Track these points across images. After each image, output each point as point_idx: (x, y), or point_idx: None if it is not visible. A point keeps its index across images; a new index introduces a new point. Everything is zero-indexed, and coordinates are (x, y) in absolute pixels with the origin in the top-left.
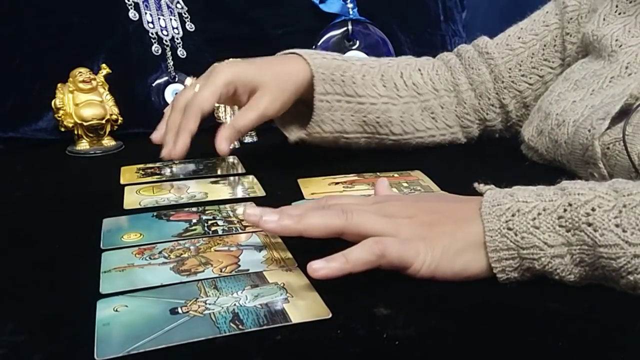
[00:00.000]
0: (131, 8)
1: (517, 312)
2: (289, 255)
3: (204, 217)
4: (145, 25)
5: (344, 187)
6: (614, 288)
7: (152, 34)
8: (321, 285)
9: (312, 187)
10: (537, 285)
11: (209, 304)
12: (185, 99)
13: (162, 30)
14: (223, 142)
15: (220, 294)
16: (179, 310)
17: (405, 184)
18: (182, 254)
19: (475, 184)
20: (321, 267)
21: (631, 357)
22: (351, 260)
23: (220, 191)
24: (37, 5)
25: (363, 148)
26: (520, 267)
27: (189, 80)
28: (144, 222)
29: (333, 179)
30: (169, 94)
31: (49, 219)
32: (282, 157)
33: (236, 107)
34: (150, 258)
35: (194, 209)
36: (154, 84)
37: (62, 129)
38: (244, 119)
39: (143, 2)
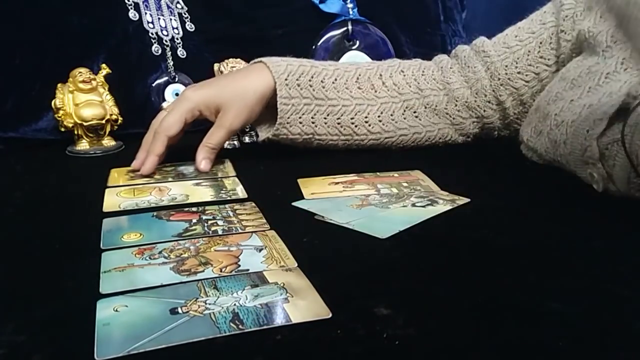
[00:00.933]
0: (131, 8)
1: (517, 312)
2: (289, 255)
3: (204, 217)
4: (145, 25)
5: (343, 187)
6: (613, 288)
7: (152, 34)
8: (321, 285)
9: (312, 187)
10: (537, 285)
11: (209, 304)
12: (157, 122)
13: (162, 30)
14: (202, 162)
15: (220, 293)
16: (179, 310)
17: (405, 184)
18: (182, 254)
19: None
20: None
21: (631, 357)
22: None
23: (202, 193)
24: (37, 6)
25: (343, 149)
26: None
27: (164, 104)
28: (144, 222)
29: (333, 178)
30: (169, 94)
31: (49, 219)
32: (282, 157)
33: None
34: (150, 258)
35: (194, 209)
36: (154, 84)
37: (62, 129)
38: (214, 137)
39: (143, 2)
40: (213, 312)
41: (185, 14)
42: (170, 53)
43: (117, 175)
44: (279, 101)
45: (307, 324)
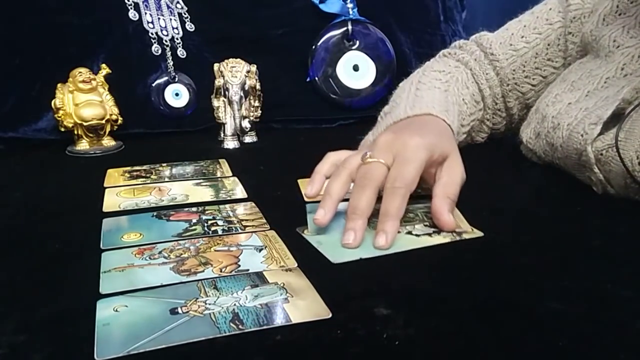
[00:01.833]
0: (131, 8)
1: (517, 312)
2: (289, 255)
3: (204, 217)
4: (145, 25)
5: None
6: (613, 288)
7: (152, 34)
8: (321, 285)
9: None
10: (537, 285)
11: (209, 304)
12: (347, 166)
13: (162, 30)
14: (446, 217)
15: (220, 294)
16: (179, 310)
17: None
18: (182, 254)
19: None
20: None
21: (631, 357)
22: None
23: (202, 193)
24: (37, 6)
25: None
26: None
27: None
28: (144, 222)
29: None
30: (169, 94)
31: (49, 219)
32: (282, 157)
33: (235, 106)
34: (150, 258)
35: (194, 209)
36: (154, 84)
37: (62, 129)
38: (454, 189)
39: (143, 2)
40: (213, 312)
41: (185, 14)
42: (170, 53)
43: (116, 175)
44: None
45: (307, 324)
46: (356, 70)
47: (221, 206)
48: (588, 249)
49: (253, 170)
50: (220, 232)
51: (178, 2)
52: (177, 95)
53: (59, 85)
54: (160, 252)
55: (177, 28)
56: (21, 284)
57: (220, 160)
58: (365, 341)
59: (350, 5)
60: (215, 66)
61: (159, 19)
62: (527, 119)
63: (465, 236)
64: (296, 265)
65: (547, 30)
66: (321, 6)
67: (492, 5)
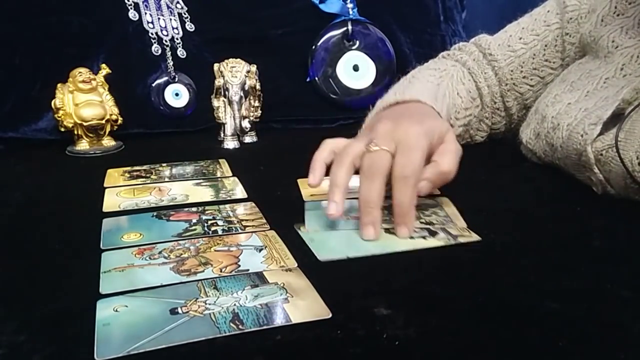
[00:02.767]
0: (131, 8)
1: (517, 312)
2: (289, 255)
3: (204, 217)
4: (145, 26)
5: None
6: (613, 288)
7: (152, 34)
8: (321, 285)
9: (311, 189)
10: (537, 285)
11: (209, 304)
12: (344, 156)
13: (162, 31)
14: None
15: (220, 294)
16: (179, 310)
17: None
18: (182, 254)
19: None
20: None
21: (631, 357)
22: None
23: (202, 193)
24: (37, 6)
25: None
26: None
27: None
28: (144, 222)
29: None
30: (168, 94)
31: (49, 219)
32: (282, 157)
33: (235, 106)
34: (150, 258)
35: (194, 209)
36: (153, 84)
37: (62, 129)
38: (451, 164)
39: (143, 2)
40: (213, 312)
41: (185, 14)
42: (170, 53)
43: (116, 175)
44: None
45: (307, 324)
46: (356, 70)
47: (221, 206)
48: (588, 249)
49: (253, 170)
50: (220, 232)
51: (178, 2)
52: (177, 95)
53: (59, 85)
54: (160, 252)
55: (177, 28)
56: (21, 284)
57: (220, 160)
58: (365, 341)
59: (350, 5)
60: (215, 66)
61: (159, 19)
62: (526, 120)
63: (461, 240)
64: (296, 265)
65: (545, 31)
66: (321, 6)
67: (492, 6)
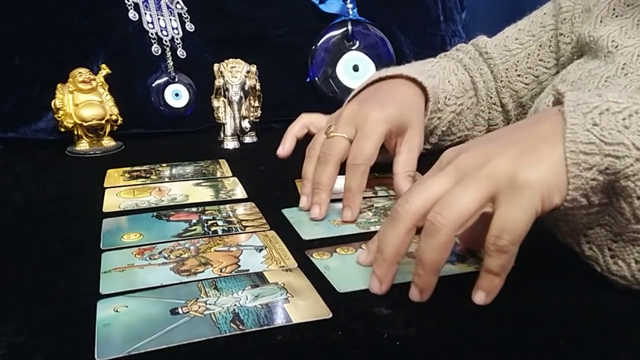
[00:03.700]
0: (131, 8)
1: (517, 312)
2: (289, 255)
3: (204, 218)
4: (145, 26)
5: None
6: (613, 288)
7: (152, 34)
8: (321, 285)
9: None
10: (537, 285)
11: (209, 304)
12: (316, 146)
13: (161, 31)
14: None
15: (220, 294)
16: (180, 310)
17: None
18: (182, 254)
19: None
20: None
21: (631, 357)
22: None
23: (202, 193)
24: (37, 6)
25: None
26: (598, 166)
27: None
28: (144, 222)
29: None
30: (168, 94)
31: (49, 219)
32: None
33: (235, 107)
34: (150, 258)
35: (194, 209)
36: (153, 84)
37: (62, 130)
38: (412, 163)
39: (143, 3)
40: (213, 313)
41: (185, 14)
42: (170, 53)
43: (116, 175)
44: (431, 116)
45: (307, 324)
46: (356, 71)
47: (221, 206)
48: None
49: (253, 171)
50: (220, 233)
51: (178, 3)
52: (177, 96)
53: (59, 85)
54: (160, 253)
55: (177, 28)
56: (21, 284)
57: (220, 160)
58: (365, 341)
59: (350, 6)
60: (215, 66)
61: (158, 19)
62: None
63: None
64: (296, 265)
65: (540, 32)
66: (321, 6)
67: (492, 5)
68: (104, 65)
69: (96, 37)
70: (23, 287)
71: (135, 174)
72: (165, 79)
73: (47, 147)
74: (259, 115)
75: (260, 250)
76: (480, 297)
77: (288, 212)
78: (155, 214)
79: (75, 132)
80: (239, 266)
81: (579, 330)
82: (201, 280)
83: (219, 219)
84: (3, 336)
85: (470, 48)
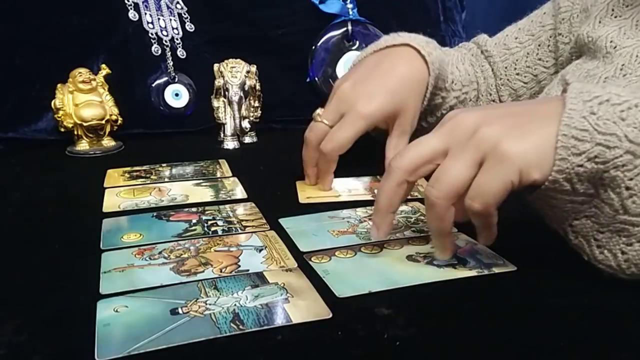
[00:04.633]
0: (131, 8)
1: (517, 312)
2: (289, 255)
3: (204, 218)
4: (145, 26)
5: (340, 190)
6: (616, 289)
7: (151, 34)
8: (321, 285)
9: (309, 190)
10: (537, 285)
11: (209, 304)
12: (315, 137)
13: (161, 31)
14: None
15: (220, 294)
16: (180, 310)
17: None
18: (182, 255)
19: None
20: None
21: (631, 357)
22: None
23: (202, 193)
24: (37, 6)
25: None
26: (588, 153)
27: (319, 112)
28: (144, 222)
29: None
30: (168, 94)
31: (49, 219)
32: (282, 158)
33: (235, 107)
34: (150, 258)
35: (194, 209)
36: (153, 85)
37: (62, 130)
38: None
39: (143, 3)
40: (213, 313)
41: (185, 14)
42: (170, 53)
43: (116, 175)
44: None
45: (307, 324)
46: None
47: (221, 206)
48: None
49: (253, 171)
50: (220, 233)
51: (178, 3)
52: (177, 96)
53: (59, 85)
54: (160, 253)
55: (177, 28)
56: (21, 284)
57: (220, 160)
58: (366, 341)
59: (350, 6)
60: (215, 66)
61: (158, 19)
62: None
63: (495, 270)
64: (296, 265)
65: (539, 31)
66: (321, 6)
67: (492, 5)
68: (104, 65)
69: (96, 37)
70: (23, 287)
71: (135, 174)
72: (165, 79)
73: (47, 147)
74: (259, 115)
75: (260, 251)
76: (481, 240)
77: (285, 222)
78: (155, 214)
79: (75, 132)
80: (239, 266)
81: (579, 330)
82: (201, 280)
83: (219, 219)
84: (3, 336)
85: (472, 45)
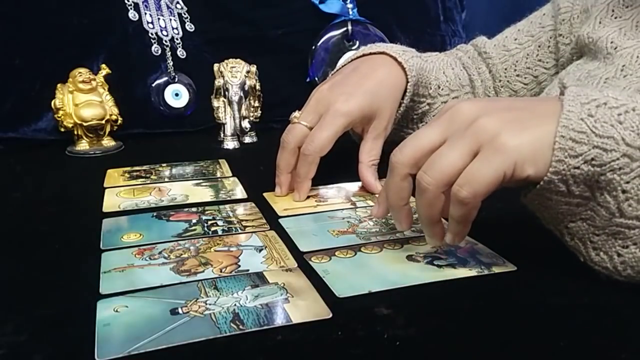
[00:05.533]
0: (131, 8)
1: (517, 312)
2: (289, 255)
3: (204, 218)
4: (145, 26)
5: (316, 200)
6: (616, 289)
7: (151, 34)
8: (321, 285)
9: (282, 202)
10: (537, 285)
11: (209, 304)
12: (292, 139)
13: (161, 31)
14: (372, 183)
15: (220, 294)
16: (180, 310)
17: None
18: (182, 254)
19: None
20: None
21: (631, 357)
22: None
23: (202, 193)
24: (37, 6)
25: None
26: (584, 156)
27: (296, 114)
28: (144, 222)
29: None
30: (168, 94)
31: (49, 219)
32: None
33: (235, 107)
34: (150, 258)
35: (194, 209)
36: (153, 84)
37: (62, 129)
38: (376, 152)
39: (143, 3)
40: (213, 313)
41: (185, 14)
42: (170, 53)
43: (116, 175)
44: (419, 100)
45: (307, 324)
46: None
47: (221, 206)
48: None
49: (253, 170)
50: (220, 233)
51: (178, 2)
52: (177, 96)
53: (58, 85)
54: (160, 253)
55: (177, 28)
56: (21, 284)
57: (220, 160)
58: (365, 341)
59: (350, 6)
60: (215, 66)
61: (158, 19)
62: None
63: (495, 270)
64: (296, 265)
65: (539, 32)
66: (321, 6)
67: (492, 5)
68: (104, 65)
69: (96, 37)
70: (23, 287)
71: (135, 174)
72: (165, 79)
73: (47, 147)
74: (259, 115)
75: (260, 250)
76: (449, 238)
77: (285, 222)
78: (155, 214)
79: (75, 132)
80: (239, 266)
81: (579, 330)
82: (201, 280)
83: (219, 219)
84: (3, 336)
85: (469, 48)
